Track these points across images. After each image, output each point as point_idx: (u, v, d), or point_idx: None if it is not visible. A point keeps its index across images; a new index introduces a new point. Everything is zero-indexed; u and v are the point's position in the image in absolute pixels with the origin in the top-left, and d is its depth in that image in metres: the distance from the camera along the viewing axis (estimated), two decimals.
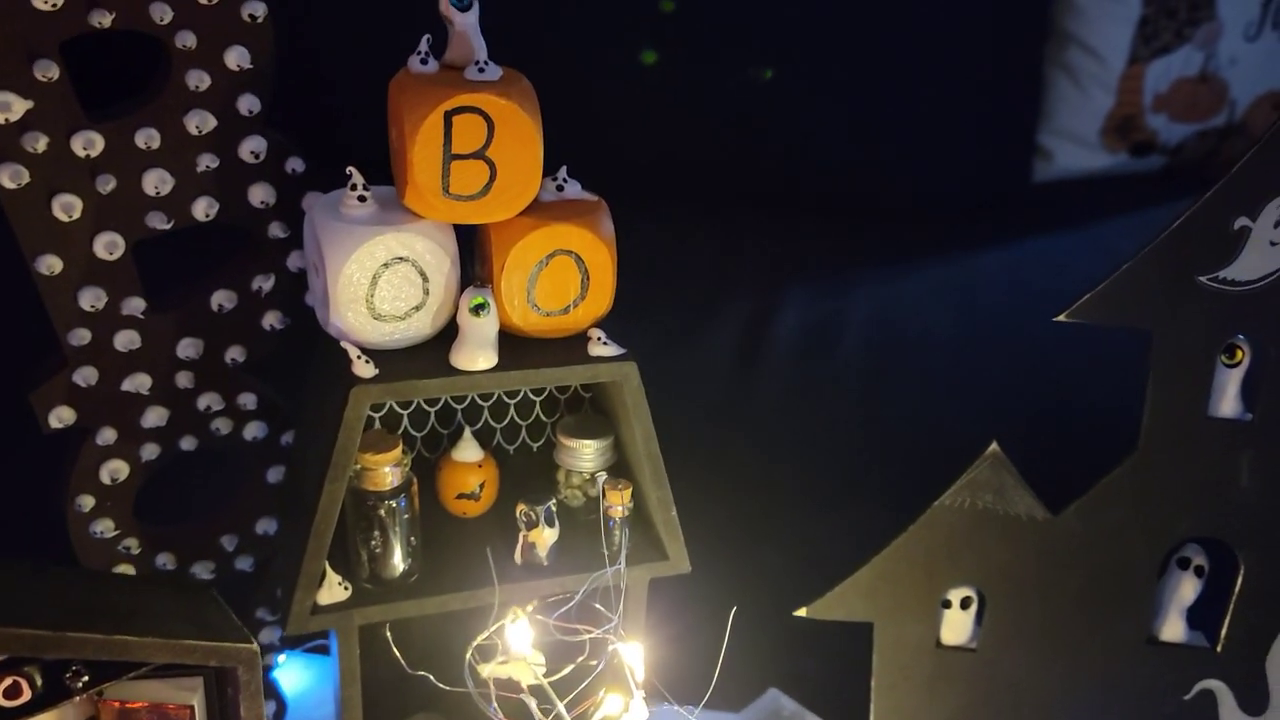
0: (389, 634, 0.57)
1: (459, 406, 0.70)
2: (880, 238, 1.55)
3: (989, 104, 1.64)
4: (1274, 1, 1.67)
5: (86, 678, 0.48)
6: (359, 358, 0.55)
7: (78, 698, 0.48)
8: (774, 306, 1.36)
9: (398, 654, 0.54)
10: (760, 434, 1.18)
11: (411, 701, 0.74)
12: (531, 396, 0.72)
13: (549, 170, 0.60)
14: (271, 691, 0.81)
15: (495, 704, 0.44)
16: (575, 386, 0.70)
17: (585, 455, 0.67)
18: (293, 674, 0.85)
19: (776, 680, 0.91)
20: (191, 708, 0.50)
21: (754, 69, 1.50)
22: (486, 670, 0.45)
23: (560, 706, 0.43)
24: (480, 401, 0.71)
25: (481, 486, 0.67)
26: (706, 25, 1.51)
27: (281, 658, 0.82)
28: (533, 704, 0.45)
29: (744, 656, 0.93)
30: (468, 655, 0.46)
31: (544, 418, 0.72)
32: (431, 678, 0.51)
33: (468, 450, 0.67)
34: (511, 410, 0.72)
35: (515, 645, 0.45)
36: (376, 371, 0.55)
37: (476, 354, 0.56)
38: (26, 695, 0.47)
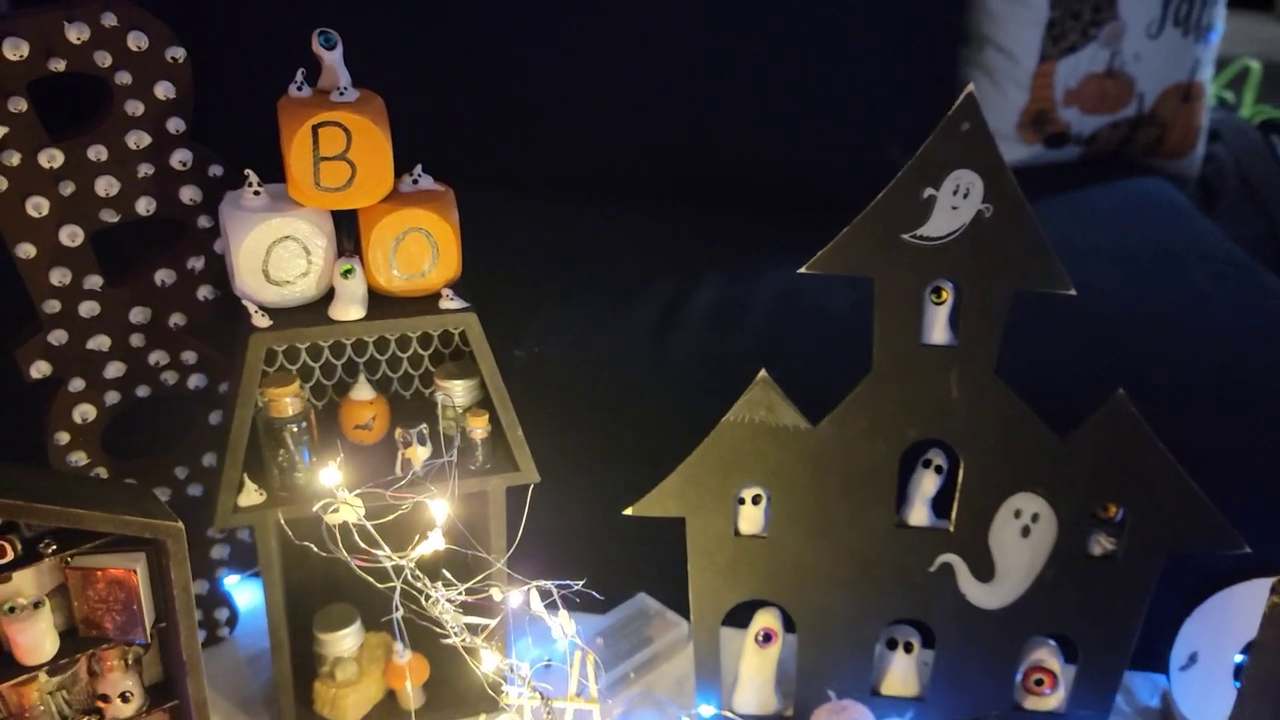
0: (283, 522, 0.75)
1: (360, 360, 0.88)
2: (807, 228, 1.71)
3: (912, 103, 1.80)
4: (1173, 1, 1.83)
5: (54, 547, 0.66)
6: (256, 312, 0.73)
7: (47, 561, 0.66)
8: (692, 288, 1.53)
9: (289, 532, 0.72)
10: (667, 391, 1.35)
11: (333, 595, 0.92)
12: (420, 351, 0.89)
13: (407, 167, 0.78)
14: (225, 601, 0.99)
15: (344, 550, 0.62)
16: (457, 341, 0.88)
17: (456, 393, 0.84)
18: (248, 593, 1.03)
19: (649, 586, 1.08)
20: (134, 571, 0.68)
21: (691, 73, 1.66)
22: (316, 507, 0.63)
23: (382, 542, 0.61)
24: (378, 355, 0.89)
25: (373, 419, 0.85)
26: (644, 28, 1.68)
27: (234, 578, 1.00)
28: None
29: (625, 566, 1.11)
30: (324, 521, 0.63)
31: (432, 369, 0.90)
32: (314, 547, 0.69)
33: (362, 391, 0.85)
34: (405, 363, 0.90)
35: (326, 482, 0.62)
36: (271, 322, 0.73)
37: (348, 307, 0.74)
38: (10, 556, 0.65)
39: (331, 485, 0.63)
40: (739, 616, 0.91)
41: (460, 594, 0.65)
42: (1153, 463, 0.77)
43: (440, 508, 0.63)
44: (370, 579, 0.63)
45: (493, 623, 0.67)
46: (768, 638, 0.89)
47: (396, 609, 0.68)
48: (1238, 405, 1.30)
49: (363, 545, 0.65)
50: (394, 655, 0.87)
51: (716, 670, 0.89)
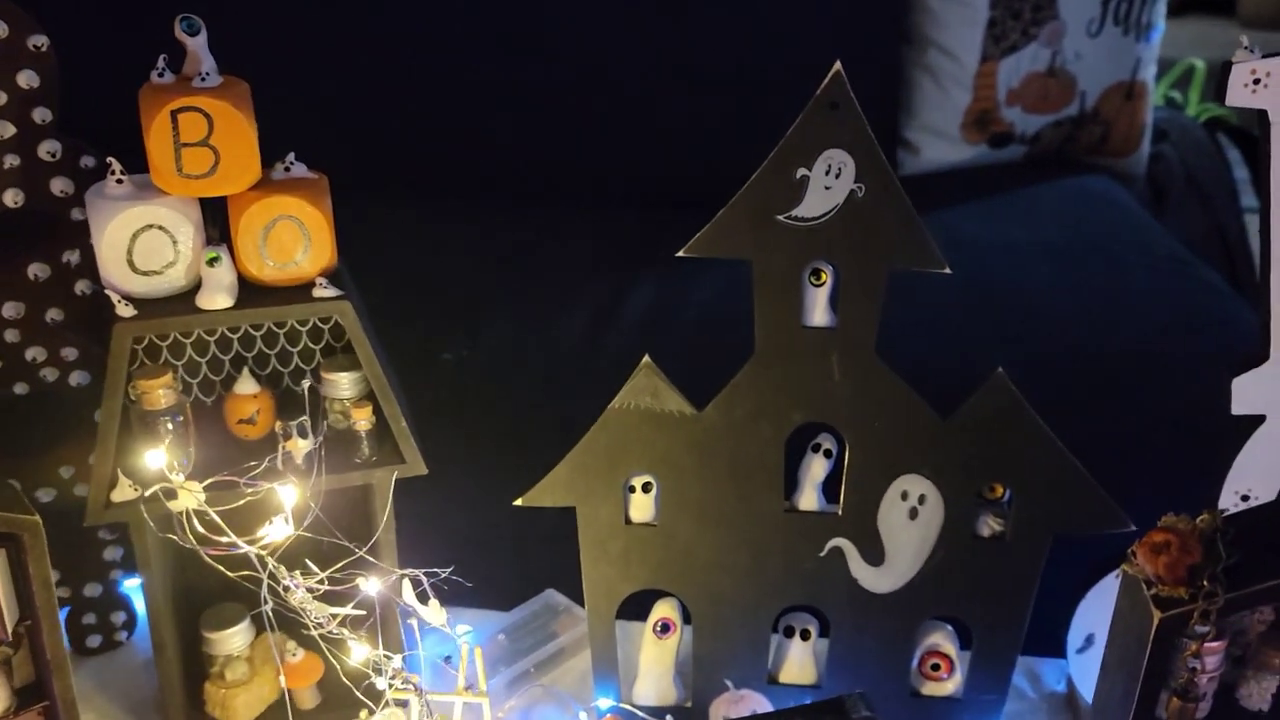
0: (148, 518, 0.73)
1: (249, 354, 0.87)
2: None
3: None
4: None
5: None
6: (120, 301, 0.72)
7: None
8: (628, 289, 1.53)
9: (151, 523, 0.71)
10: (597, 390, 1.35)
11: (228, 595, 0.90)
12: (311, 345, 0.88)
13: (280, 155, 0.78)
14: (122, 604, 0.97)
15: (192, 538, 0.61)
16: (349, 335, 0.87)
17: (341, 385, 0.83)
18: None
19: (562, 583, 1.07)
20: None
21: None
22: (148, 492, 0.62)
23: (230, 531, 0.60)
24: (266, 349, 0.88)
25: (258, 413, 0.84)
26: (580, 35, 1.68)
27: (134, 580, 0.98)
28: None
29: (533, 563, 1.10)
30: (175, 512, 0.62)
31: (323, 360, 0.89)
32: (175, 538, 0.67)
33: (246, 385, 0.83)
34: (296, 357, 0.89)
35: (152, 465, 0.61)
36: (135, 312, 0.72)
37: (215, 296, 0.73)
38: None
39: (158, 468, 0.62)
40: (642, 609, 0.90)
41: (321, 583, 0.63)
42: (1034, 441, 0.77)
43: (289, 494, 0.62)
44: (222, 569, 0.62)
45: (345, 610, 0.66)
46: (665, 628, 0.88)
47: (265, 601, 0.68)
48: (1163, 391, 1.31)
49: (228, 537, 0.64)
50: (286, 654, 0.86)
51: (614, 662, 0.88)
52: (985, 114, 1.87)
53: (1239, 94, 0.70)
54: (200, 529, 0.62)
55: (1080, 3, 1.81)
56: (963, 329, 1.44)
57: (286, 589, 0.63)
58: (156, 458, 0.62)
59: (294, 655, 0.85)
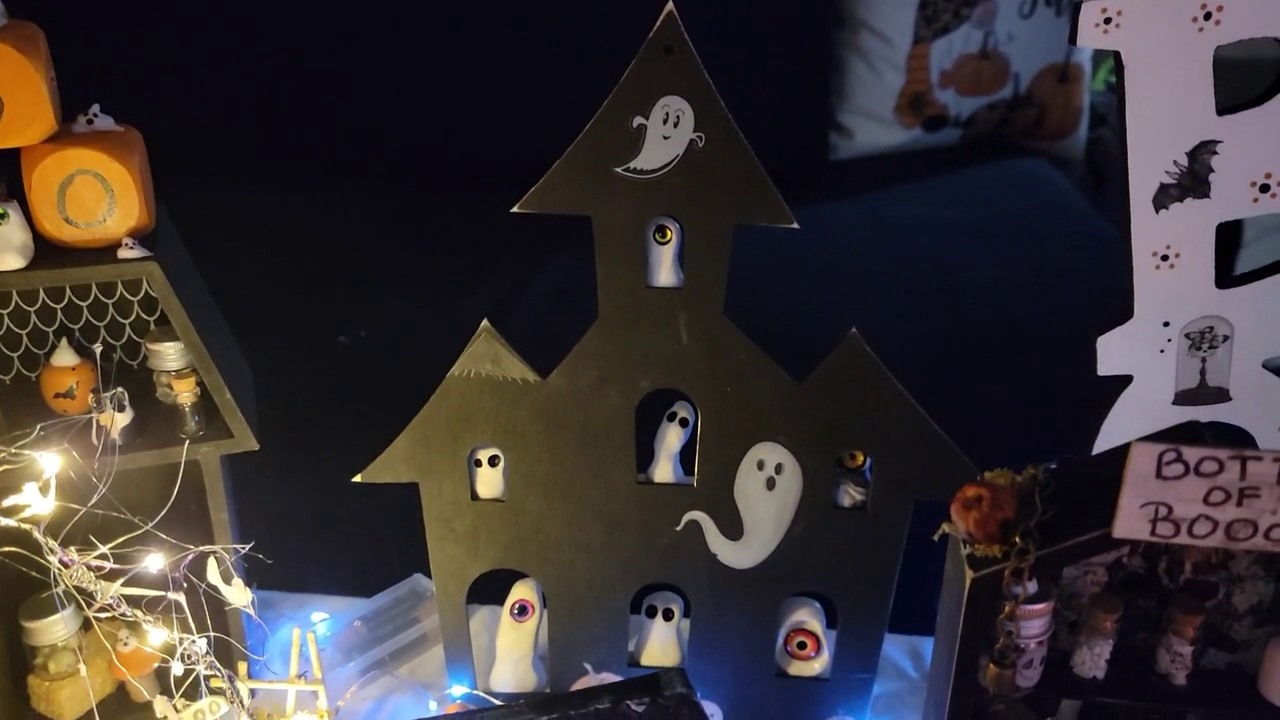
0: None
1: (75, 326, 0.82)
2: None
3: (787, 88, 1.76)
4: None
5: None
6: None
7: None
8: (538, 269, 1.49)
9: None
10: None
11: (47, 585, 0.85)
12: (144, 316, 0.83)
13: (83, 106, 0.72)
14: None
15: None
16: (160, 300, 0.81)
17: (168, 356, 0.78)
18: None
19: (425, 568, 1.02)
20: None
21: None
22: None
23: None
24: (95, 321, 0.82)
25: (76, 386, 0.78)
26: (505, 16, 1.63)
27: None
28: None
29: (403, 548, 1.05)
30: None
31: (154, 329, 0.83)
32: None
33: (64, 357, 0.78)
34: (128, 329, 0.83)
35: None
36: None
37: (4, 256, 0.68)
38: None
39: None
40: (505, 592, 0.85)
41: (105, 558, 0.58)
42: (891, 404, 0.73)
43: (51, 462, 0.57)
44: None
45: (118, 587, 0.61)
46: (523, 610, 0.83)
47: (56, 583, 0.62)
48: (1071, 363, 1.29)
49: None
50: (117, 643, 0.81)
51: (467, 647, 0.84)
52: (919, 96, 1.83)
53: (1090, 34, 0.67)
54: None
55: None
56: (877, 303, 1.41)
57: (65, 567, 0.57)
58: None
59: (125, 645, 0.80)
